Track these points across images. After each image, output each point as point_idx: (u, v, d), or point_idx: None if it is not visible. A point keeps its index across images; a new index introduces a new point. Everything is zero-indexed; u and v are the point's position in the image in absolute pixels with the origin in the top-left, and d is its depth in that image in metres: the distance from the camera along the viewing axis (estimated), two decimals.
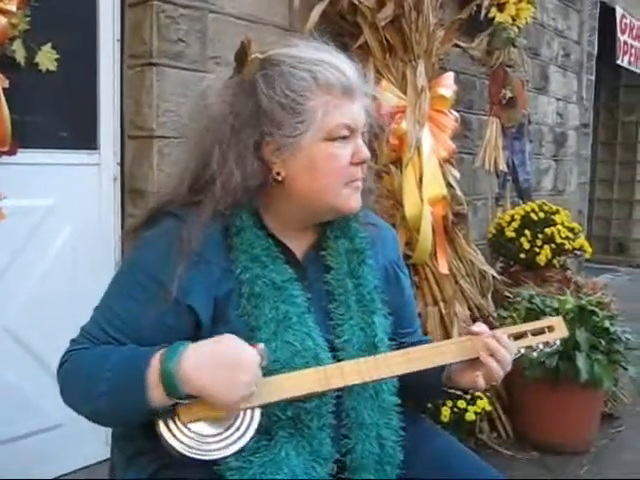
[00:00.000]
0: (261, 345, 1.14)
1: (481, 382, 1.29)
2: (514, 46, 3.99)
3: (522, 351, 1.35)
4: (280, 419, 1.19)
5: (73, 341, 1.23)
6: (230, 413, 1.12)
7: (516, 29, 3.95)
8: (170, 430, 1.12)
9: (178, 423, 1.12)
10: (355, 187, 1.28)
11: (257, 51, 1.24)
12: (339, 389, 1.24)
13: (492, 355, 1.28)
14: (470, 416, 2.84)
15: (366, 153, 1.27)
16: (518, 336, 1.36)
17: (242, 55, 1.23)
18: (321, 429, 1.22)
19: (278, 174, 1.24)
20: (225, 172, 1.21)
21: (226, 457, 1.12)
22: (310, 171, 1.23)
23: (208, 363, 1.10)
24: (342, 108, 1.23)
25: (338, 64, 1.24)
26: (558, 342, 1.38)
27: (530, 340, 1.36)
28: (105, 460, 2.33)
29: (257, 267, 1.23)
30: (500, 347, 1.28)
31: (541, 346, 1.36)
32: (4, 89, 2.14)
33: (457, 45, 3.63)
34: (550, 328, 1.38)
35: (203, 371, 1.09)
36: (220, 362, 1.10)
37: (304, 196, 1.25)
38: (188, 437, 1.11)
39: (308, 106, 1.21)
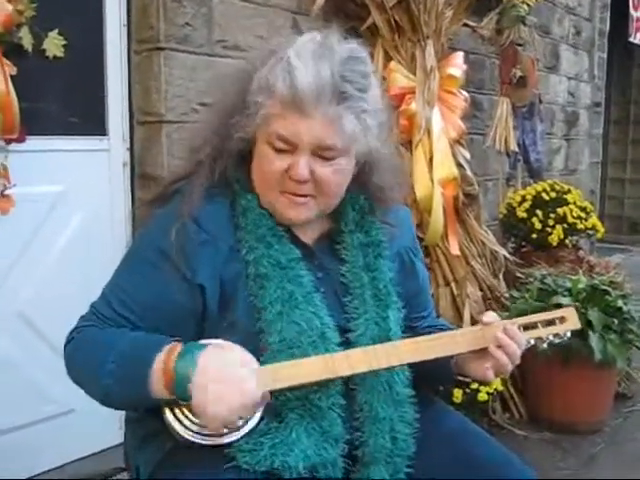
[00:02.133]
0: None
1: (490, 374, 1.29)
2: (524, 24, 3.94)
3: (532, 342, 1.34)
4: (289, 399, 1.20)
5: (82, 317, 1.25)
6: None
7: (526, 7, 3.90)
8: (177, 417, 1.13)
9: (185, 410, 1.13)
10: (293, 201, 1.23)
11: None
12: (347, 377, 1.23)
13: (501, 348, 1.27)
14: (482, 397, 2.84)
15: (299, 174, 1.19)
16: (528, 326, 1.34)
17: None
18: (331, 409, 1.22)
19: None
20: (211, 141, 1.27)
21: (231, 443, 1.13)
22: (256, 166, 1.25)
23: (217, 376, 1.09)
24: (282, 118, 1.18)
25: (298, 73, 1.15)
26: (569, 334, 1.36)
27: (540, 331, 1.34)
28: (118, 445, 2.35)
29: (262, 247, 1.23)
30: (510, 342, 1.27)
31: (551, 337, 1.35)
32: (12, 76, 2.14)
33: (466, 24, 3.59)
34: (562, 319, 1.36)
35: (210, 384, 1.09)
36: (227, 379, 1.10)
37: (256, 182, 1.27)
38: (194, 423, 1.12)
39: (255, 101, 1.20)
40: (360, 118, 1.20)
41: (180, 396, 1.10)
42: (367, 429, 1.27)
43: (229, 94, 1.29)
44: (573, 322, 1.37)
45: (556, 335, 1.35)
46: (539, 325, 1.35)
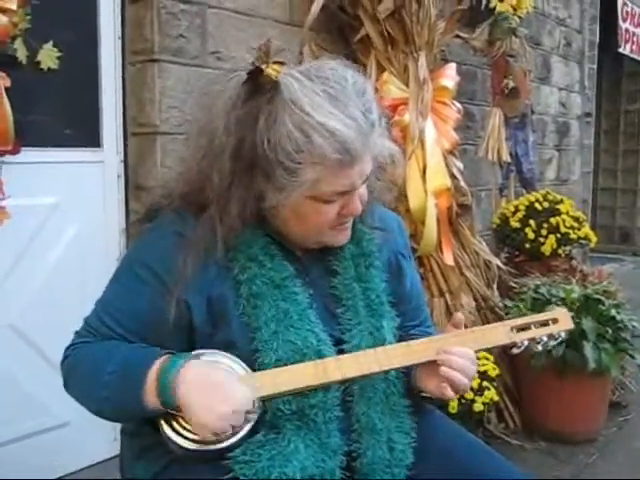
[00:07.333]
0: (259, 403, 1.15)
1: (449, 393, 1.24)
2: (515, 36, 3.95)
3: (525, 343, 1.33)
4: (284, 413, 1.19)
5: (76, 333, 1.26)
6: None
7: (517, 19, 3.92)
8: (172, 427, 1.14)
9: (180, 420, 1.14)
10: (342, 229, 1.27)
11: (274, 58, 1.15)
12: (343, 388, 1.24)
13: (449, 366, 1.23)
14: (478, 407, 2.83)
15: (356, 209, 1.23)
16: (522, 328, 1.34)
17: (261, 61, 1.14)
18: (328, 422, 1.22)
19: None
20: (223, 200, 1.19)
21: (228, 452, 1.13)
22: (296, 217, 1.23)
23: (201, 384, 1.11)
24: (336, 177, 1.16)
25: (340, 131, 1.12)
26: (563, 335, 1.36)
27: (534, 332, 1.34)
28: (113, 457, 2.34)
29: (255, 266, 1.22)
30: (449, 357, 1.23)
31: (545, 338, 1.34)
32: (6, 88, 2.13)
33: (458, 36, 3.61)
34: (555, 320, 1.36)
35: (194, 392, 1.11)
36: (211, 388, 1.11)
37: (293, 229, 1.26)
38: (190, 431, 1.12)
39: (300, 172, 1.15)
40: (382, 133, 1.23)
41: (168, 405, 1.11)
42: (364, 440, 1.26)
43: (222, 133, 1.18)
44: (566, 323, 1.36)
45: (550, 336, 1.34)
46: (532, 327, 1.34)
